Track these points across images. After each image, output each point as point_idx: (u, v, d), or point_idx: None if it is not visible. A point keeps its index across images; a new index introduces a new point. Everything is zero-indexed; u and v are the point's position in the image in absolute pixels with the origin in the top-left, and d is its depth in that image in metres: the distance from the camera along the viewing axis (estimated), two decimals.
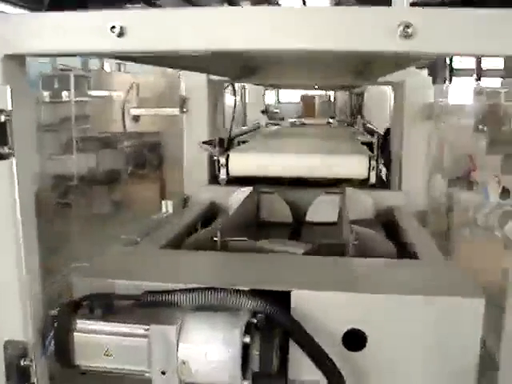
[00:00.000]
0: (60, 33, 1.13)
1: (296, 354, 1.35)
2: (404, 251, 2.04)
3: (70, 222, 7.85)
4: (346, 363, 1.37)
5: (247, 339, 1.21)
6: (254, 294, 1.29)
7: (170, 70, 3.14)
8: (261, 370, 1.25)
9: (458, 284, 1.51)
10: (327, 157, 2.67)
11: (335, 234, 2.28)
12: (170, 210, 2.97)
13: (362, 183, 2.75)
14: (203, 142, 2.73)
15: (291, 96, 11.78)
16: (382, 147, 3.17)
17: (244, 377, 1.24)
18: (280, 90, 12.27)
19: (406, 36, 1.00)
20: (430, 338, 1.37)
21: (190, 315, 1.27)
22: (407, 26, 0.99)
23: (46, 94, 10.36)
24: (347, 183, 2.77)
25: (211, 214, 2.70)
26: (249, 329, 1.25)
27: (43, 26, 1.14)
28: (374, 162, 2.52)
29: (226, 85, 3.23)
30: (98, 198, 9.01)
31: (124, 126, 3.37)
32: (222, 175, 2.68)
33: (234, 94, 3.33)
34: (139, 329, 1.26)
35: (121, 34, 1.09)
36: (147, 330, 1.25)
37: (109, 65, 14.31)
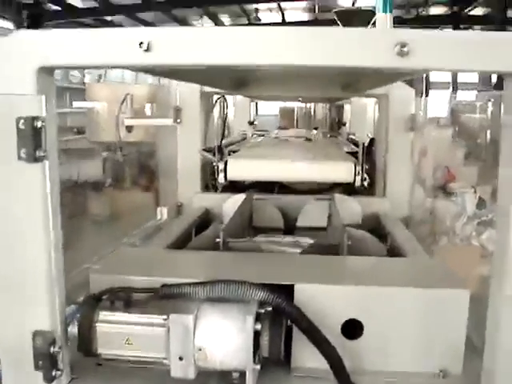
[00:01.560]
0: (91, 48, 1.25)
1: (298, 344, 1.48)
2: (393, 251, 2.18)
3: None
4: (345, 350, 1.50)
5: (258, 326, 1.33)
6: (264, 286, 1.41)
7: (163, 81, 3.29)
8: (270, 356, 1.38)
9: (444, 278, 1.65)
10: (318, 163, 2.87)
11: (325, 238, 2.41)
12: (165, 217, 3.10)
13: (348, 189, 2.92)
14: (203, 149, 2.90)
15: (270, 108, 11.89)
16: (367, 156, 3.34)
17: (254, 362, 1.36)
18: (259, 103, 12.36)
19: (402, 54, 1.14)
20: (421, 326, 1.51)
21: (205, 305, 1.38)
22: (403, 46, 1.14)
23: None
24: (334, 191, 2.93)
25: (206, 220, 2.82)
26: (258, 318, 1.37)
27: (76, 41, 1.26)
28: (359, 168, 2.70)
29: (216, 97, 3.37)
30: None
31: (118, 136, 3.48)
32: (221, 180, 2.87)
33: (226, 106, 3.47)
34: (158, 319, 1.38)
35: (148, 49, 1.22)
36: (166, 319, 1.36)
37: (89, 77, 14.41)
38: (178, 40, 1.24)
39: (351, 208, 2.73)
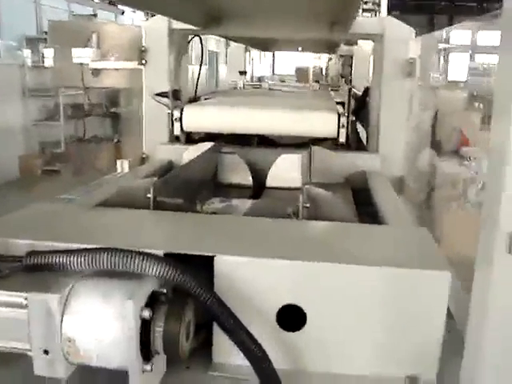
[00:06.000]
0: None
1: (220, 334, 1.11)
2: (369, 217, 1.79)
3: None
4: (282, 346, 1.14)
5: (146, 313, 0.97)
6: (161, 257, 1.05)
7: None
8: (165, 353, 1.02)
9: (421, 253, 1.26)
10: (291, 112, 2.39)
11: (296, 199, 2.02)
12: (126, 170, 2.74)
13: (335, 144, 2.50)
14: (156, 94, 2.47)
15: (286, 68, 12.02)
16: (360, 107, 2.92)
17: (146, 358, 1.00)
18: (276, 64, 12.28)
19: None
20: (382, 316, 1.14)
21: (80, 282, 1.02)
22: None
23: (28, 58, 10.06)
24: (320, 144, 2.51)
25: (166, 173, 2.44)
26: (154, 301, 1.01)
27: None
28: (344, 120, 2.24)
29: (190, 37, 2.95)
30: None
31: (82, 82, 3.09)
32: (176, 130, 2.44)
33: (202, 48, 3.06)
34: (18, 297, 1.01)
35: None
36: (27, 299, 1.00)
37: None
38: None
39: (332, 164, 2.32)
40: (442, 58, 13.78)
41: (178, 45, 2.85)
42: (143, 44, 2.77)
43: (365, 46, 4.29)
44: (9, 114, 9.27)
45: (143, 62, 2.75)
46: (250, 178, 2.32)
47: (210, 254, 1.13)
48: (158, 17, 2.75)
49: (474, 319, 0.99)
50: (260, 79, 8.55)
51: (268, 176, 2.31)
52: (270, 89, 4.43)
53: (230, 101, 3.02)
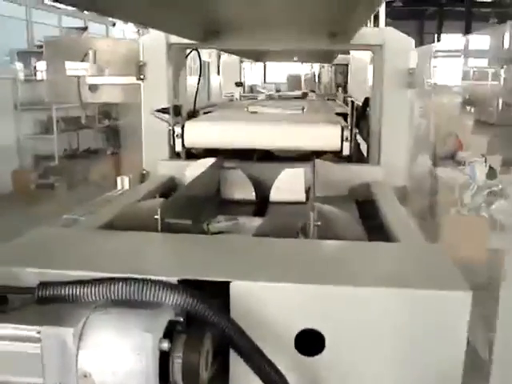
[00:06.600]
0: None
1: (239, 362, 1.08)
2: (378, 232, 1.77)
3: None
4: (301, 371, 1.12)
5: (165, 345, 0.94)
6: (179, 285, 1.02)
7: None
8: (184, 383, 0.99)
9: (438, 272, 1.24)
10: (293, 126, 2.38)
11: (302, 214, 2.00)
12: (127, 187, 2.71)
13: (336, 157, 2.49)
14: (157, 110, 2.45)
15: (278, 76, 12.04)
16: (360, 118, 2.90)
17: None
18: (267, 72, 12.32)
19: None
20: (404, 339, 1.11)
21: (95, 314, 0.99)
22: None
23: (21, 72, 10.00)
24: (321, 157, 2.49)
25: (169, 190, 2.41)
26: (171, 331, 0.98)
27: None
28: (347, 133, 2.23)
29: (188, 51, 2.94)
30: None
31: (80, 97, 3.06)
32: (178, 147, 2.41)
33: (200, 61, 3.05)
34: (31, 331, 0.98)
35: None
36: (40, 332, 0.97)
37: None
38: None
39: (335, 176, 2.30)
40: (436, 63, 13.88)
41: (177, 59, 2.83)
42: (141, 59, 2.75)
43: (361, 55, 4.29)
44: (1, 129, 9.23)
45: (141, 77, 2.74)
46: (254, 193, 2.30)
47: (226, 280, 1.11)
48: (155, 31, 2.73)
49: (500, 348, 0.96)
50: (252, 88, 8.54)
51: (272, 190, 2.29)
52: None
53: (230, 115, 3.01)
